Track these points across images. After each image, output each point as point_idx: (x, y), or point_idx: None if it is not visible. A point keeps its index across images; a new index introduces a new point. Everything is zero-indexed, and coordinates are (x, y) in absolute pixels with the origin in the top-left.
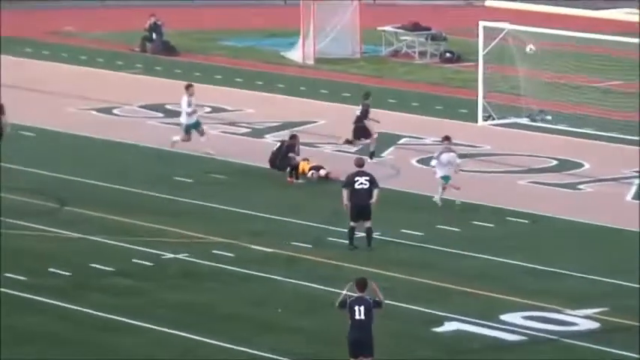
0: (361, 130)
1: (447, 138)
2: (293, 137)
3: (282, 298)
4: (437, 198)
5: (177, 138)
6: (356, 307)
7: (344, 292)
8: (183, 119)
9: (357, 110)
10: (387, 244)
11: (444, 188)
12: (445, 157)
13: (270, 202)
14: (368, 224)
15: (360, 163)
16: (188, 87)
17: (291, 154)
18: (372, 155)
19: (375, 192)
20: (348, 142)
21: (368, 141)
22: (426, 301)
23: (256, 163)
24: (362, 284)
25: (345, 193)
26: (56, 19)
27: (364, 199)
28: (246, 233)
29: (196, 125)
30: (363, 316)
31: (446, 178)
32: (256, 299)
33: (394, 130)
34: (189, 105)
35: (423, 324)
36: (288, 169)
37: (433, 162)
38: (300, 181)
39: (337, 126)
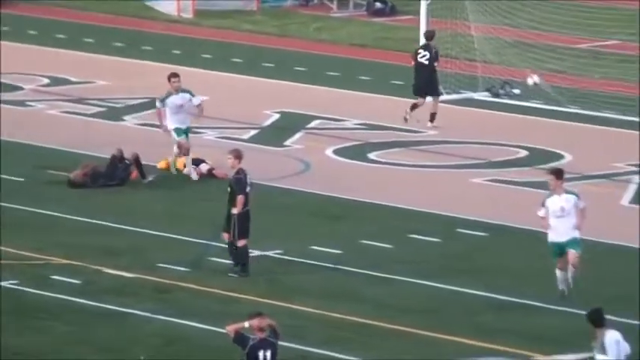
0: (432, 84)
1: (556, 174)
2: (85, 172)
3: (148, 341)
4: (560, 286)
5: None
6: (260, 353)
7: (244, 323)
8: (169, 123)
9: (423, 57)
10: (293, 266)
11: (560, 268)
12: (555, 202)
13: (130, 209)
14: (239, 243)
15: (240, 156)
16: (171, 77)
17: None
18: (433, 118)
19: (239, 199)
20: (414, 107)
21: (432, 101)
22: (346, 346)
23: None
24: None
25: (242, 200)
26: None
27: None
28: (98, 252)
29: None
30: None
31: (556, 247)
32: (111, 343)
33: (304, 110)
34: (162, 102)
35: None
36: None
37: (541, 212)
38: (150, 179)
39: (225, 103)
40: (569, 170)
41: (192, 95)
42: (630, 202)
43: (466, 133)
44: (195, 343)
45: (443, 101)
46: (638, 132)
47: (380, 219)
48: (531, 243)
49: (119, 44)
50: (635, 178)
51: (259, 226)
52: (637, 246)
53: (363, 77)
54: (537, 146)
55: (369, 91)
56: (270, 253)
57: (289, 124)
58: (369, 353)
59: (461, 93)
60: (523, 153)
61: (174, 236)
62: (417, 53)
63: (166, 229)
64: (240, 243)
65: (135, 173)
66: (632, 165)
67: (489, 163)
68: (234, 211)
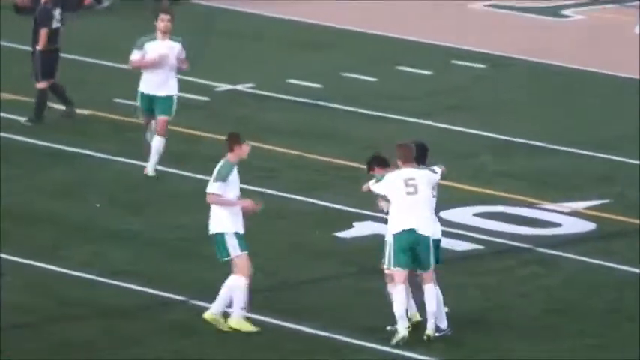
0: None
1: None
2: None
3: (104, 186)
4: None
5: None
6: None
7: None
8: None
9: None
10: (266, 102)
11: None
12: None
13: (84, 38)
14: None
15: None
16: (161, 14)
17: None
18: None
19: (42, 33)
20: None
21: None
22: (326, 192)
23: None
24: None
25: (44, 34)
26: None
27: None
28: None
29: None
30: None
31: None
32: (63, 189)
33: None
34: (140, 48)
35: (321, 225)
36: None
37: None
38: (105, 4)
39: None
40: None
41: (185, 47)
42: None
43: None
44: (155, 187)
45: None
46: None
47: (365, 49)
48: (535, 76)
49: None
50: None
51: (226, 55)
52: None
53: None
54: None
55: None
56: (239, 87)
57: None
58: (352, 200)
59: None
60: None
61: None
62: None
63: (125, 59)
64: (39, 85)
65: None
66: None
67: None
68: (38, 47)
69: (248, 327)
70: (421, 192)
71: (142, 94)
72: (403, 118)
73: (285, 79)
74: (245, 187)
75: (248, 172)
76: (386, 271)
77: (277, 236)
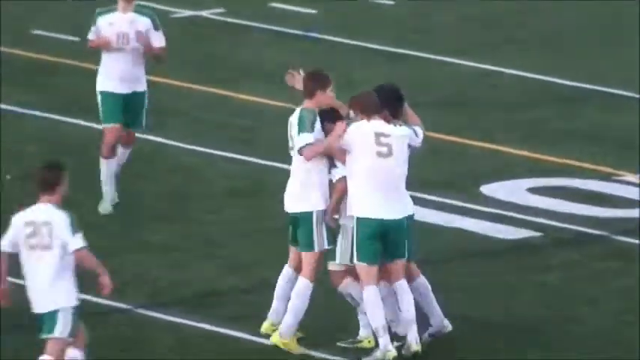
0: None
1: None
2: None
3: (21, 147)
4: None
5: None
6: None
7: None
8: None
9: None
10: (241, 33)
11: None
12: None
13: None
14: None
15: None
16: None
17: None
18: None
19: None
20: None
21: None
22: None
23: None
24: None
25: None
26: None
27: None
28: None
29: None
30: None
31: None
32: None
33: None
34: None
35: None
36: None
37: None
38: None
39: None
40: None
41: (156, 25)
42: None
43: None
44: (87, 150)
45: None
46: None
47: None
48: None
49: None
50: None
51: None
52: None
53: None
54: None
55: None
56: (205, 14)
57: None
58: None
59: None
60: None
61: None
62: None
63: None
64: None
65: None
66: None
67: None
68: None
69: (294, 348)
70: (397, 155)
71: (104, 93)
72: (429, 55)
73: (266, 2)
74: (213, 152)
75: (216, 131)
76: (331, 268)
77: (252, 220)
